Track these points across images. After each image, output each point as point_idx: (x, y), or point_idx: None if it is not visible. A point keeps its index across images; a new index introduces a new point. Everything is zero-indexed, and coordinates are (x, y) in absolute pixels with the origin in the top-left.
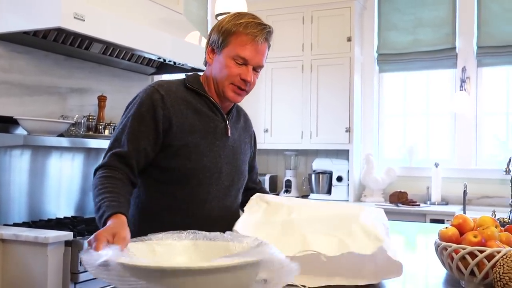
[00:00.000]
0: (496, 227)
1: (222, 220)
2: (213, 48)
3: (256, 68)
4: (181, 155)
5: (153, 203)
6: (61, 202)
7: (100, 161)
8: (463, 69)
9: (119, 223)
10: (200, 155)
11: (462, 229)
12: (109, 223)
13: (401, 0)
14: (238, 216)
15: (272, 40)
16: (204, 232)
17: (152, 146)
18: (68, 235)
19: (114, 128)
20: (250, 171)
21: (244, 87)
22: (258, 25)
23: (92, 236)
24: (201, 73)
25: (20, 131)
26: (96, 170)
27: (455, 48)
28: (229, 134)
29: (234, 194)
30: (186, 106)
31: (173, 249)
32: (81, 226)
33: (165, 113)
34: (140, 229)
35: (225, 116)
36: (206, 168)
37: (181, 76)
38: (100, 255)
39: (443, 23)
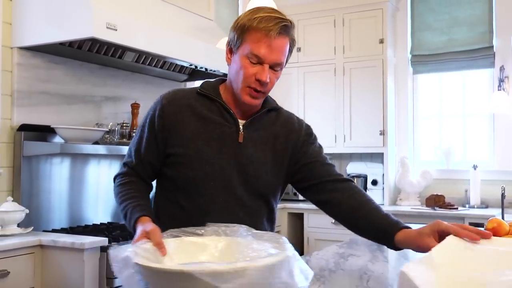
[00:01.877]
0: None
1: None
2: (231, 47)
3: (274, 67)
4: (183, 163)
5: (162, 212)
6: (99, 208)
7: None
8: (501, 68)
9: (146, 227)
10: (202, 163)
11: (497, 233)
12: (138, 229)
13: (435, 0)
14: (254, 228)
15: (298, 37)
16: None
17: (155, 156)
18: (103, 240)
19: None
20: (306, 169)
21: (260, 88)
22: (274, 18)
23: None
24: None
25: (57, 139)
26: (114, 179)
27: (492, 47)
28: (242, 140)
29: (250, 205)
30: (190, 113)
31: (198, 246)
32: (116, 232)
33: (165, 123)
34: None
35: (240, 121)
36: (209, 177)
37: None
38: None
39: (479, 21)
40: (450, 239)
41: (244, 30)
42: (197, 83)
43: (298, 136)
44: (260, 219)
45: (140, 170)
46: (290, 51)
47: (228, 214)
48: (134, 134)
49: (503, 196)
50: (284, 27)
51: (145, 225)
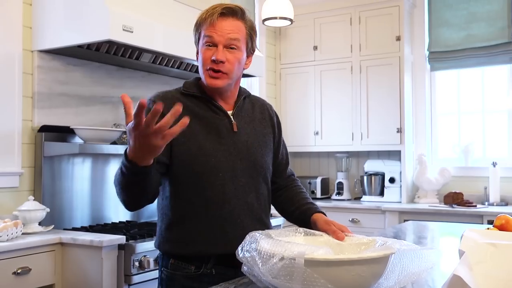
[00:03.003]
0: None
1: (246, 218)
2: (197, 48)
3: (229, 45)
4: (187, 160)
5: (174, 212)
6: (119, 207)
7: None
8: None
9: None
10: (206, 156)
11: (504, 230)
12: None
13: None
14: (261, 212)
15: (315, 35)
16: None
17: (166, 155)
18: (121, 238)
19: None
20: (274, 163)
21: (216, 67)
22: (217, 7)
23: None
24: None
25: (76, 140)
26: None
27: (511, 42)
28: (236, 129)
29: (256, 190)
30: (184, 112)
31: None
32: (134, 230)
33: None
34: (165, 238)
35: (229, 113)
36: (216, 169)
37: None
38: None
39: (497, 16)
40: (467, 235)
41: (198, 26)
42: None
43: (274, 120)
44: (264, 201)
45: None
46: (250, 36)
47: (238, 201)
48: None
49: None
50: (227, 8)
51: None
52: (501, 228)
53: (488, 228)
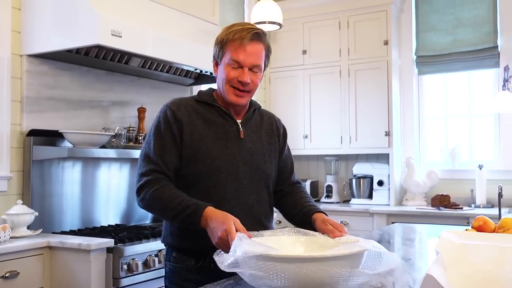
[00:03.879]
0: None
1: (245, 218)
2: (216, 60)
3: (253, 69)
4: (195, 161)
5: None
6: (109, 211)
7: (136, 179)
8: (506, 68)
9: (219, 217)
10: (213, 158)
11: (482, 231)
12: (213, 223)
13: (439, 1)
14: (261, 214)
15: (304, 39)
16: (298, 229)
17: (177, 157)
18: (109, 242)
19: None
20: (279, 171)
21: (242, 88)
22: (246, 29)
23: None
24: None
25: (65, 144)
26: (140, 190)
27: (497, 47)
28: (243, 136)
29: (256, 193)
30: (196, 117)
31: (283, 243)
32: (122, 233)
33: (178, 126)
34: (169, 231)
35: (238, 121)
36: (220, 170)
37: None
38: (228, 256)
39: (483, 21)
40: (444, 236)
41: (223, 43)
42: (204, 87)
43: (280, 133)
44: (264, 204)
45: (164, 171)
46: (267, 56)
47: (238, 201)
48: (144, 141)
49: (500, 195)
50: (256, 34)
51: (217, 220)
52: (479, 229)
53: (466, 229)
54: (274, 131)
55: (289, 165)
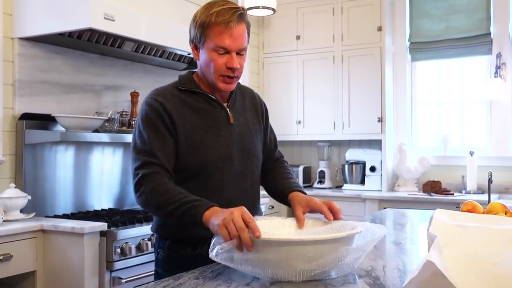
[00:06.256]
0: (506, 214)
1: (241, 203)
2: (196, 44)
3: (239, 52)
4: (190, 153)
5: None
6: (102, 195)
7: (132, 175)
8: (498, 55)
9: (224, 209)
10: (208, 148)
11: None
12: (214, 218)
13: None
14: (254, 198)
15: (297, 25)
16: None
17: (173, 147)
18: (102, 225)
19: None
20: (264, 146)
21: (232, 74)
22: (229, 10)
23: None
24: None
25: (58, 127)
26: (139, 185)
27: (489, 34)
28: (233, 121)
29: (250, 177)
30: (184, 107)
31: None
32: (116, 217)
33: (170, 118)
34: (164, 222)
35: (225, 105)
36: (216, 159)
37: None
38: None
39: (476, 8)
40: (436, 216)
41: (204, 27)
42: None
43: (262, 107)
44: (256, 187)
45: (163, 164)
46: (248, 33)
47: (234, 188)
48: (135, 127)
49: (489, 181)
50: (240, 15)
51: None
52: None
53: None
54: (258, 109)
55: (273, 141)
